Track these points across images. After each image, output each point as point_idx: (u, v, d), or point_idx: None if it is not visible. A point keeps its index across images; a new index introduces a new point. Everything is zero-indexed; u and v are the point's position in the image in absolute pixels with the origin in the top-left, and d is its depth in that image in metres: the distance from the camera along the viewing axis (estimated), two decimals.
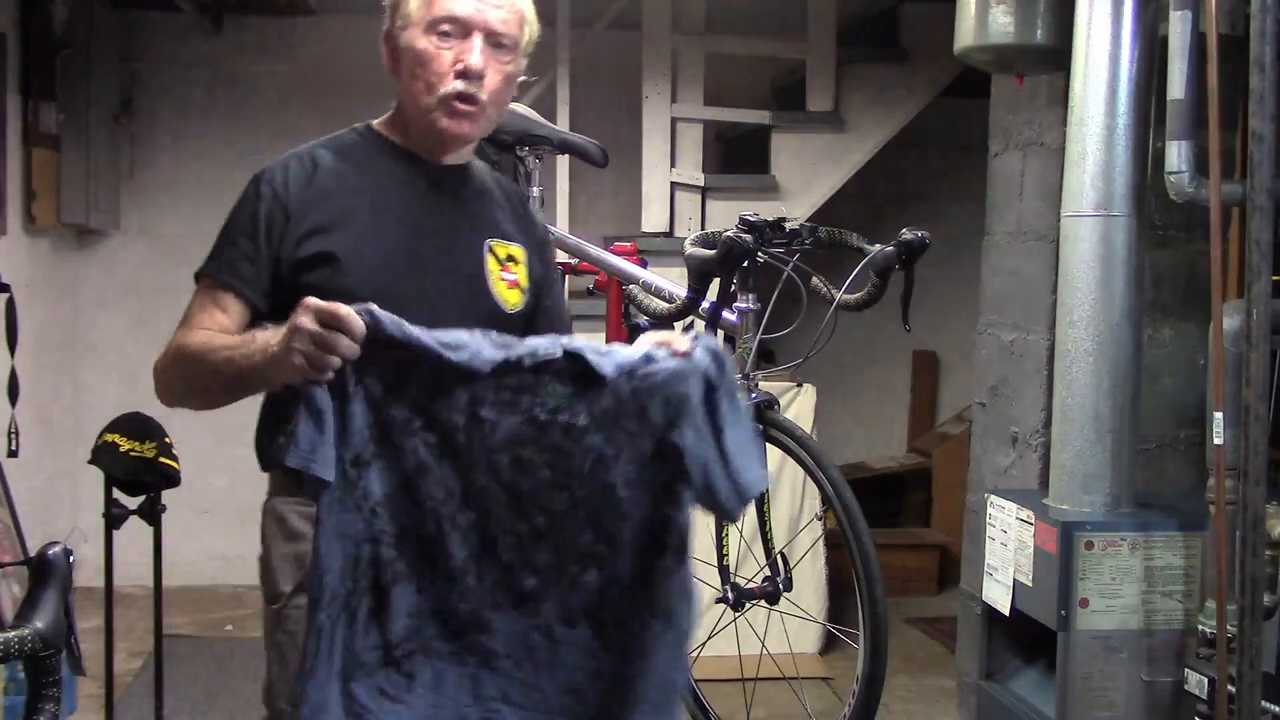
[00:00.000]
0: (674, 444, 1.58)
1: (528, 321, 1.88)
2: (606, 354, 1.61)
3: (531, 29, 1.84)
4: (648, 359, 1.60)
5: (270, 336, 1.56)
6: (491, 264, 1.85)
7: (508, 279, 1.86)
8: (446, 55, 1.76)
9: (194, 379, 1.72)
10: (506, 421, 1.56)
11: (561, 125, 4.22)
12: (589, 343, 1.62)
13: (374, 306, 1.51)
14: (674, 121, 4.75)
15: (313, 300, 1.49)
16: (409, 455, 1.56)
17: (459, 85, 1.76)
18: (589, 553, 1.61)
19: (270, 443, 1.76)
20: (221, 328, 1.73)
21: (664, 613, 1.60)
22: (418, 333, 1.53)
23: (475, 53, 1.76)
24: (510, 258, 1.88)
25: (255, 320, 1.73)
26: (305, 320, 1.48)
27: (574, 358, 1.58)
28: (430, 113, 1.78)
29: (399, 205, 1.81)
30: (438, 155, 1.85)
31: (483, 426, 1.56)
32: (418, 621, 1.60)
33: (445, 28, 1.76)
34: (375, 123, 1.89)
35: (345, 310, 1.47)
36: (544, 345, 1.59)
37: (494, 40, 1.78)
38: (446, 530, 1.58)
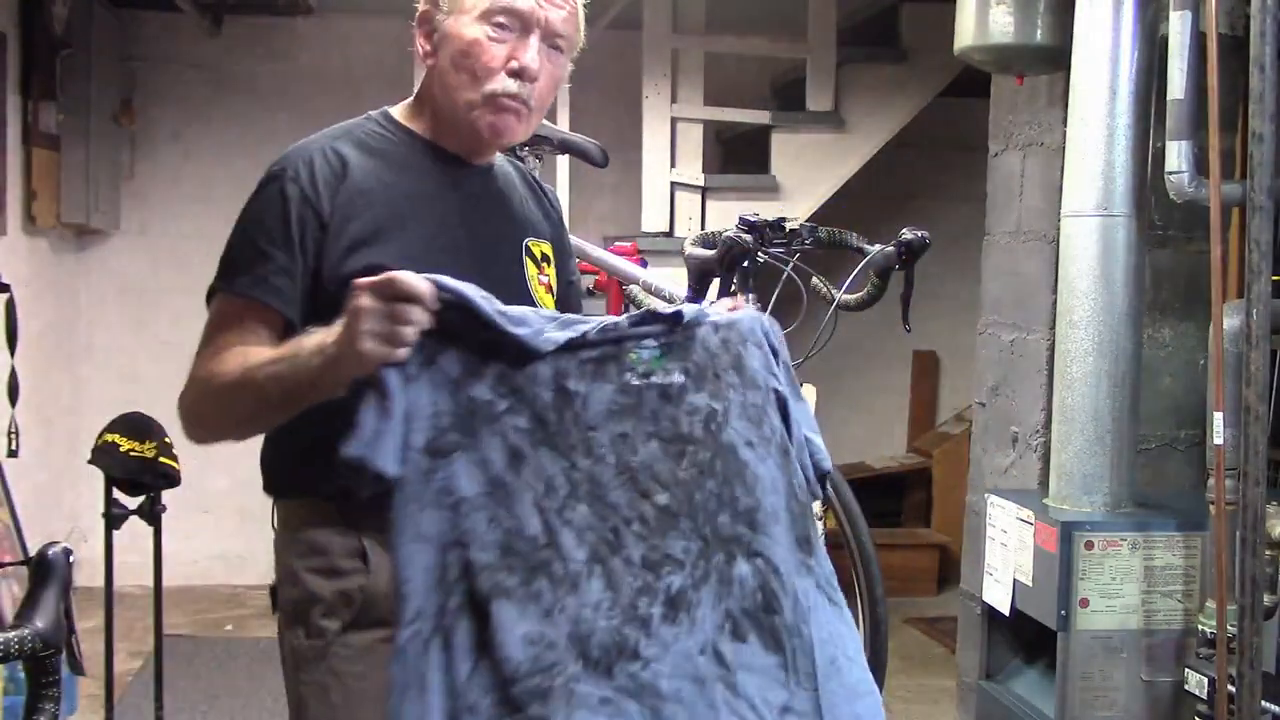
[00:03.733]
0: (780, 394, 1.49)
1: None
2: (675, 304, 1.50)
3: (582, 31, 1.69)
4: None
5: (322, 337, 1.40)
6: (530, 269, 1.72)
7: (544, 282, 1.74)
8: (499, 49, 1.60)
9: (234, 408, 1.53)
10: (599, 393, 1.40)
11: (561, 125, 4.21)
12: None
13: (433, 276, 1.36)
14: (674, 121, 4.75)
15: (364, 280, 1.35)
16: (498, 443, 1.37)
17: (510, 85, 1.59)
18: (731, 537, 1.41)
19: (288, 463, 1.61)
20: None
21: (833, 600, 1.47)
22: (479, 299, 1.37)
23: (532, 51, 1.60)
24: (544, 256, 1.75)
25: (286, 338, 1.52)
26: (367, 300, 1.33)
27: (645, 318, 1.46)
28: (472, 109, 1.61)
29: (442, 212, 1.64)
30: (472, 155, 1.69)
31: (573, 402, 1.39)
32: (542, 651, 1.32)
33: (502, 19, 1.60)
34: (395, 111, 1.70)
35: (406, 275, 1.33)
36: (608, 320, 1.46)
37: (551, 40, 1.63)
38: (557, 528, 1.36)
